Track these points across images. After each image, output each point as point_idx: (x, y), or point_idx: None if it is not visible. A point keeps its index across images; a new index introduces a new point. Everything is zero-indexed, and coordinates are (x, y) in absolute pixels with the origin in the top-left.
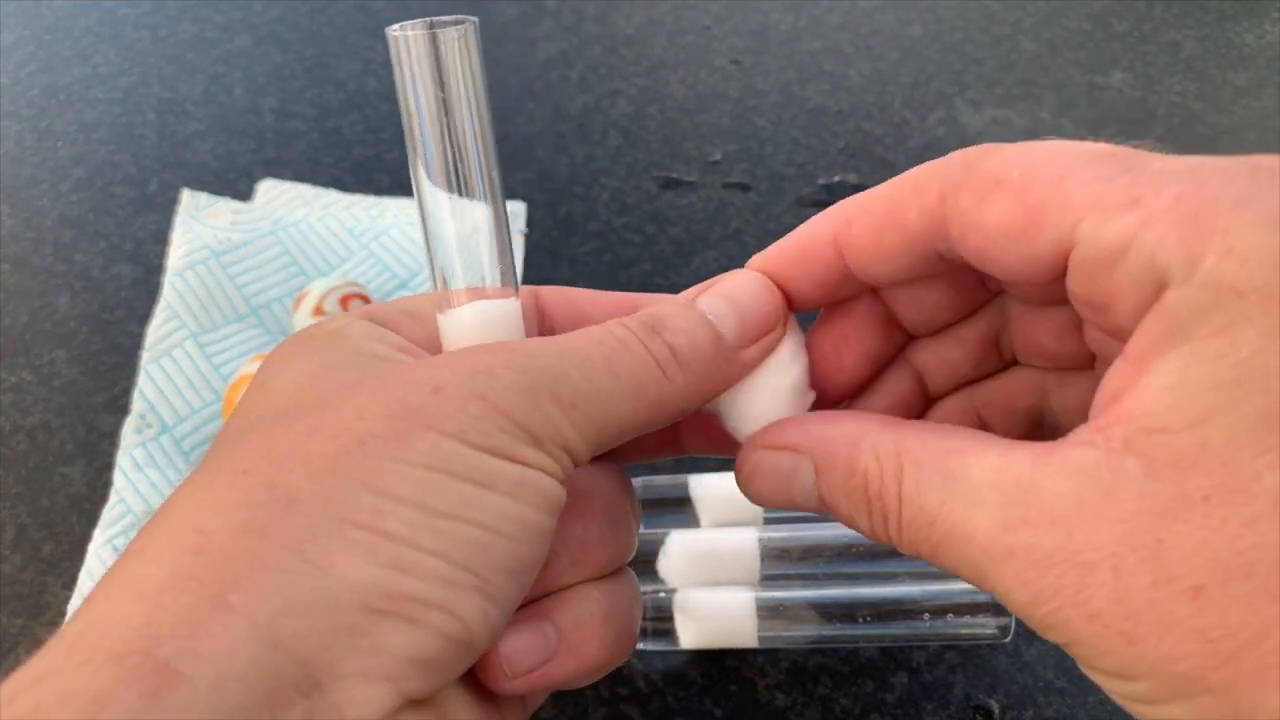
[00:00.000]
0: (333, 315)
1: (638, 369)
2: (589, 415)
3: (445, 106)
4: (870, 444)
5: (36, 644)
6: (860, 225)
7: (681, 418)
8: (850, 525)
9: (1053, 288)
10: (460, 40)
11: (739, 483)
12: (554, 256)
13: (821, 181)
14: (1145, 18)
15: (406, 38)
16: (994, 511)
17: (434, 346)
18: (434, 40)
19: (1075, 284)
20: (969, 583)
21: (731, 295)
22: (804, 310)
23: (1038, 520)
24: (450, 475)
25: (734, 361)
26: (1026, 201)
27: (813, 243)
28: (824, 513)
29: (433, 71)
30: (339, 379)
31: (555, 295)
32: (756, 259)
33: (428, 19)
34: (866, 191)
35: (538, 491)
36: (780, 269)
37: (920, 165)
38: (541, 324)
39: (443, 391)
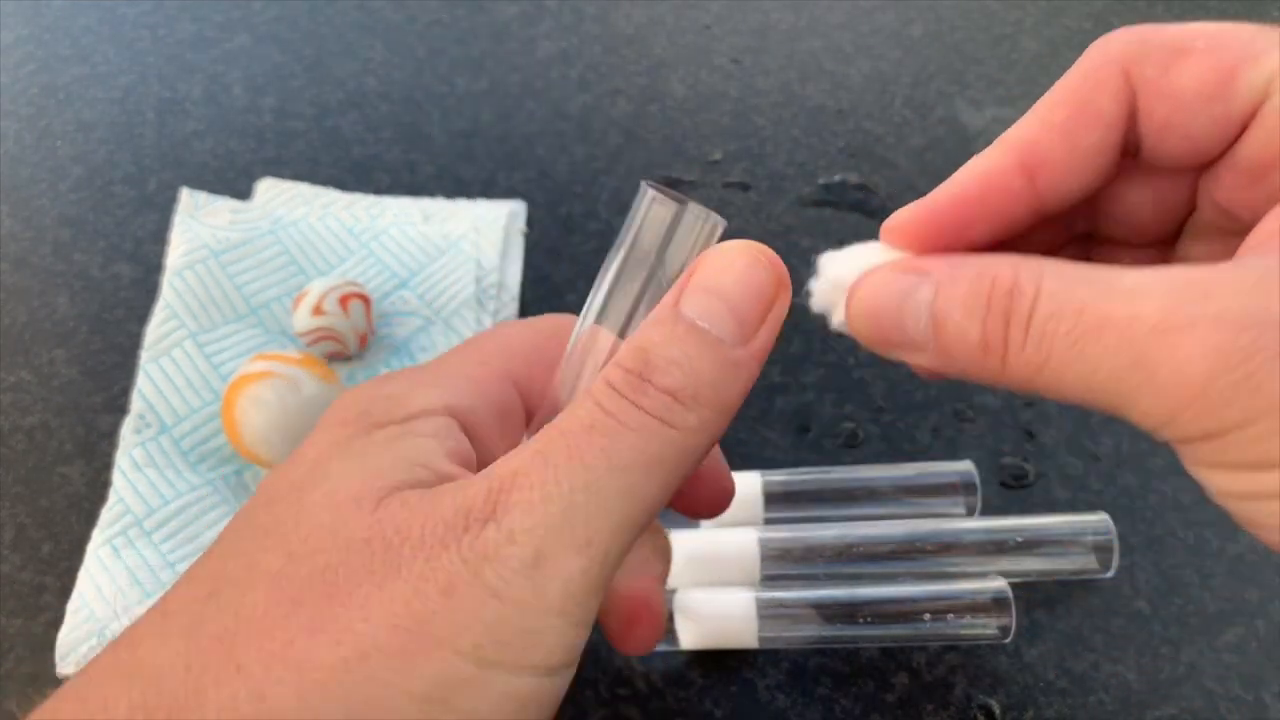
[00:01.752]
0: (332, 314)
1: (642, 443)
2: (610, 532)
3: (651, 276)
4: (1006, 260)
5: (35, 643)
6: (1049, 138)
7: (711, 448)
8: (955, 350)
9: (1207, 152)
10: (701, 228)
11: (849, 306)
12: (554, 256)
13: (822, 181)
14: (1146, 17)
15: (656, 199)
16: (1163, 297)
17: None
18: (679, 215)
19: (1256, 141)
20: (1095, 394)
21: (716, 287)
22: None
23: (1221, 294)
24: (447, 706)
25: (743, 362)
26: (1220, 61)
27: (996, 174)
28: (920, 345)
29: (661, 241)
30: (353, 525)
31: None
32: (922, 205)
33: (683, 197)
34: (1024, 116)
35: (552, 693)
36: (959, 214)
37: (1073, 67)
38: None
39: (455, 593)
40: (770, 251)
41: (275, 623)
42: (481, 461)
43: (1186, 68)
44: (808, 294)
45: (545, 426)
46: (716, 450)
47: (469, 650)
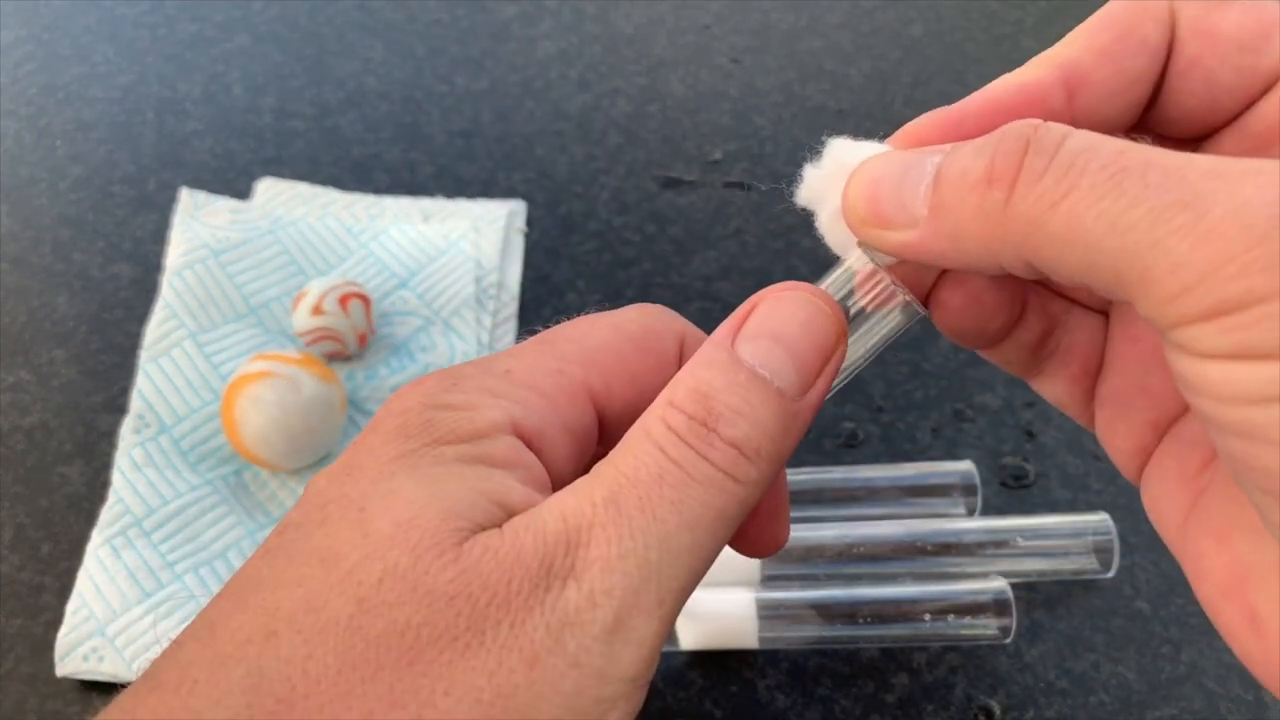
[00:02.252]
0: (332, 314)
1: (709, 498)
2: (679, 591)
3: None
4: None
5: (34, 643)
6: (1093, 60)
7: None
8: (952, 200)
9: (1222, 109)
10: (903, 317)
11: (849, 185)
12: (554, 255)
13: None
14: None
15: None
16: (1218, 158)
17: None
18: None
19: (1272, 107)
20: (1114, 246)
21: (780, 334)
22: None
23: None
24: None
25: (801, 414)
26: (1262, 14)
27: (1035, 86)
28: (914, 216)
29: (877, 330)
30: (452, 594)
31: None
32: (948, 111)
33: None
34: (1065, 38)
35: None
36: (989, 123)
37: None
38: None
39: (538, 665)
40: (833, 301)
41: (350, 689)
42: (550, 483)
43: (1229, 11)
44: (798, 183)
45: (604, 464)
46: (783, 480)
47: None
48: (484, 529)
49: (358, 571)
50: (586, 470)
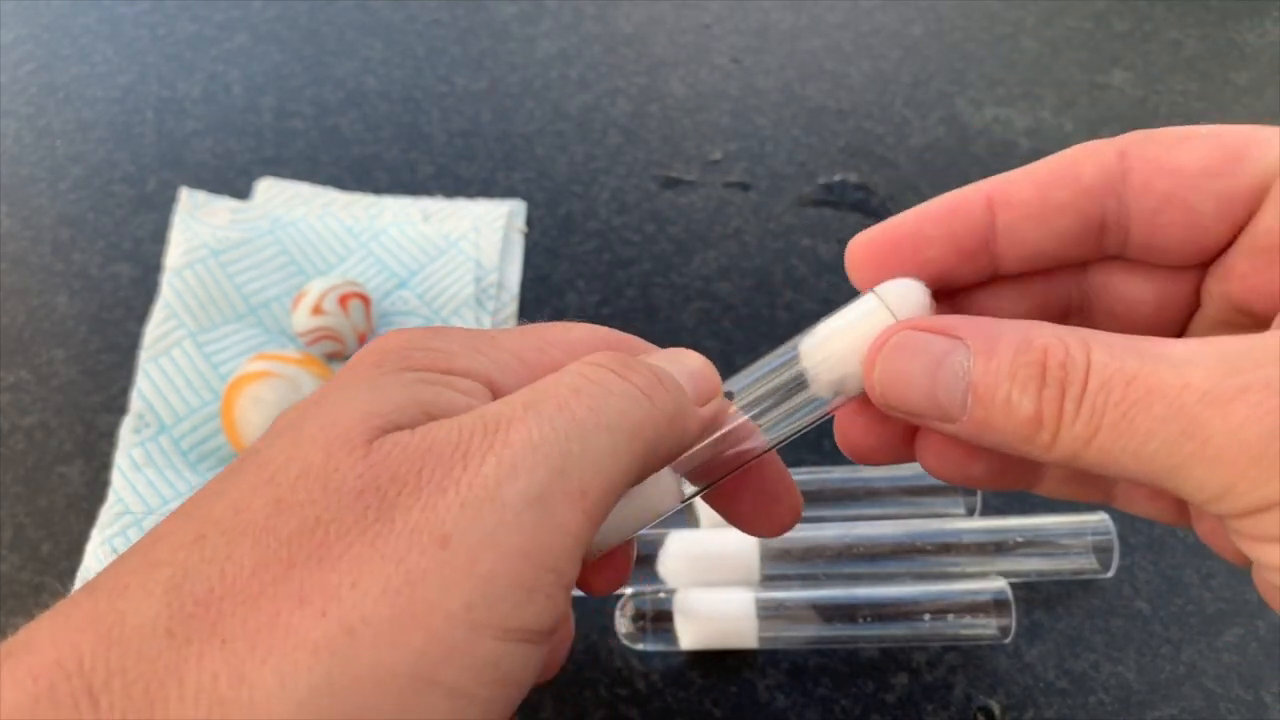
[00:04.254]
0: (332, 314)
1: (626, 407)
2: (600, 487)
3: (796, 381)
4: (1048, 329)
5: None
6: (1023, 182)
7: (665, 464)
8: (997, 422)
9: (1211, 237)
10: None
11: (871, 369)
12: (553, 255)
13: (822, 181)
14: (1146, 17)
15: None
16: (1213, 365)
17: (503, 376)
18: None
19: (1273, 217)
20: (1145, 467)
21: (675, 358)
22: (933, 285)
23: (1270, 360)
24: (432, 684)
25: (695, 415)
26: (1225, 143)
27: (963, 200)
28: (951, 415)
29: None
30: (359, 488)
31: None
32: (885, 224)
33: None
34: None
35: (532, 668)
36: (920, 225)
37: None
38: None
39: (450, 543)
40: (713, 370)
41: (262, 589)
42: None
43: (1190, 147)
44: (805, 381)
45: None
46: (779, 464)
47: (460, 612)
48: (402, 429)
49: (279, 474)
50: None
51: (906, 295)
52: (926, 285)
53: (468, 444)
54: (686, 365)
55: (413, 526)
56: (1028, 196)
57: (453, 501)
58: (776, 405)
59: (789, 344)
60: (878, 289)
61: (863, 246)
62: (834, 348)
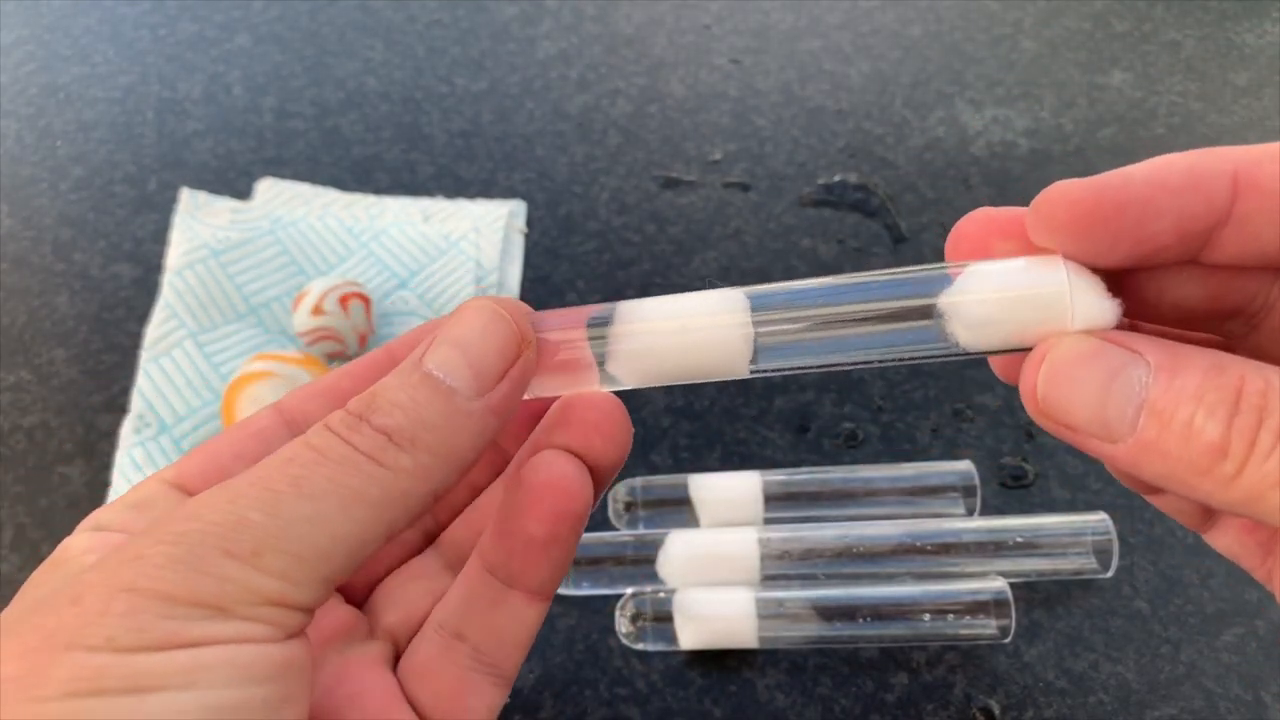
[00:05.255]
0: (332, 314)
1: (342, 476)
2: (293, 555)
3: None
4: (1244, 360)
5: None
6: (1275, 165)
7: (444, 494)
8: (1171, 446)
9: None
10: None
11: (1035, 370)
12: (553, 256)
13: (821, 181)
14: (1145, 17)
15: None
16: None
17: None
18: None
19: None
20: None
21: (457, 338)
22: (1120, 265)
23: None
24: (101, 693)
25: (476, 414)
26: None
27: (1206, 173)
28: (1116, 435)
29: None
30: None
31: (299, 397)
32: (1116, 180)
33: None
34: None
35: (227, 667)
36: (1154, 194)
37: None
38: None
39: (83, 599)
40: (517, 309)
41: None
42: None
43: (1270, 165)
44: (943, 321)
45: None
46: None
47: (101, 644)
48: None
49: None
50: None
51: (1094, 293)
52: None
53: (130, 539)
54: (464, 345)
55: (52, 597)
56: (1269, 175)
57: (97, 564)
58: (868, 323)
59: (923, 270)
60: (1071, 272)
61: (1064, 200)
62: (996, 312)
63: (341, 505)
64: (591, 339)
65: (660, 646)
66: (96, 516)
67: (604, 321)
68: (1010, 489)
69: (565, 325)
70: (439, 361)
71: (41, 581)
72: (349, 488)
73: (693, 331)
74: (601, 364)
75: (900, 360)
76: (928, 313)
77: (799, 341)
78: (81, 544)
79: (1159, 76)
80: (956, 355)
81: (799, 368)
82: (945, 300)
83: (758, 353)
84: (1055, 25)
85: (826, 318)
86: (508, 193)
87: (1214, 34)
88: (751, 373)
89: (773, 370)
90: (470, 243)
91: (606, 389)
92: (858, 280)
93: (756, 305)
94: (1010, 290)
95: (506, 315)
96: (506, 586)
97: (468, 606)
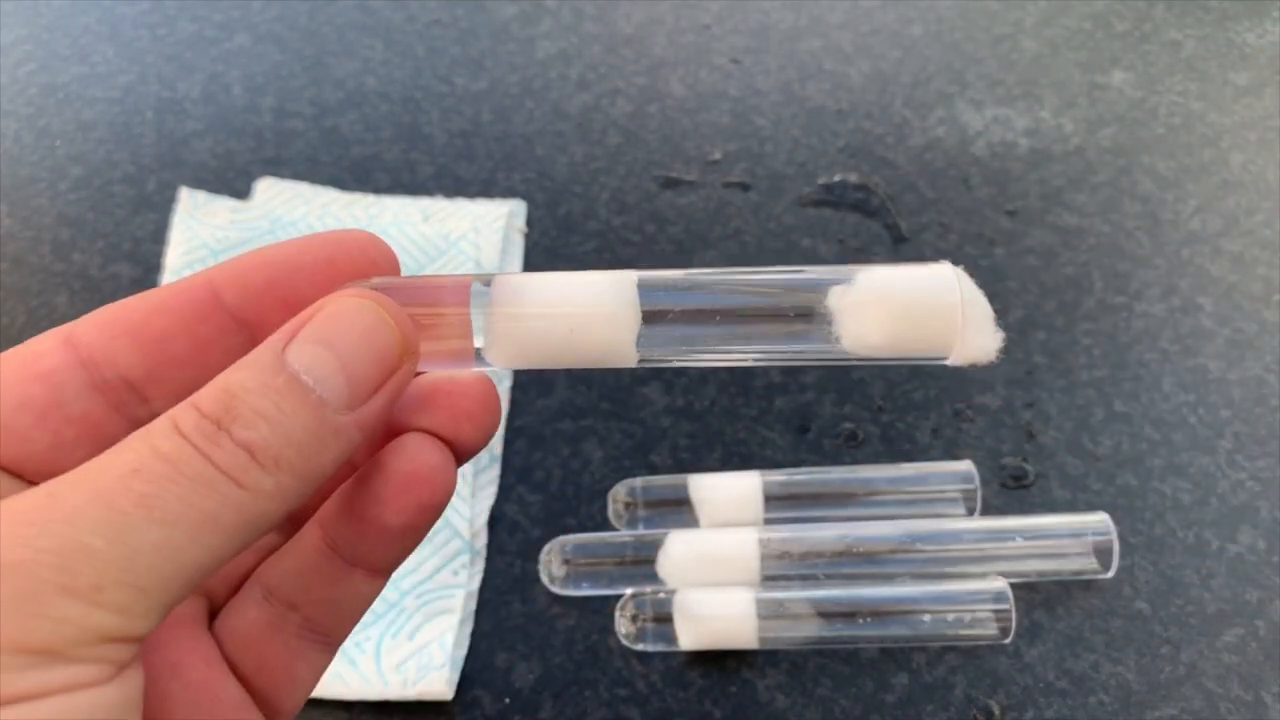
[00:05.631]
0: None
1: (197, 497)
2: (136, 587)
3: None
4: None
5: None
6: None
7: (295, 511)
8: None
9: None
10: None
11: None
12: (553, 256)
13: (821, 181)
14: (1146, 17)
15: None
16: None
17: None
18: None
19: None
20: None
21: (331, 338)
22: None
23: None
24: None
25: (344, 430)
26: None
27: None
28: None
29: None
30: None
31: (97, 328)
32: None
33: None
34: None
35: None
36: None
37: None
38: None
39: None
40: (402, 314)
41: None
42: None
43: None
44: (830, 323)
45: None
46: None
47: None
48: None
49: None
50: None
51: (985, 313)
52: None
53: None
54: (338, 348)
55: None
56: None
57: None
58: (740, 323)
59: (794, 272)
60: (964, 289)
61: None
62: (883, 318)
63: (193, 531)
64: (475, 314)
65: (660, 647)
66: None
67: (481, 299)
68: (1010, 489)
69: (446, 299)
70: (307, 364)
71: None
72: (203, 511)
73: (578, 318)
74: (477, 345)
75: (786, 359)
76: (817, 313)
77: (688, 332)
78: None
79: (1159, 76)
80: (840, 360)
81: (688, 359)
82: (834, 302)
83: (643, 340)
84: (1056, 25)
85: (715, 308)
86: (507, 192)
87: (1215, 34)
88: (639, 362)
89: (658, 360)
90: (470, 242)
91: (477, 369)
92: (751, 273)
93: (645, 289)
94: (900, 299)
95: (390, 320)
96: (349, 564)
97: (304, 580)
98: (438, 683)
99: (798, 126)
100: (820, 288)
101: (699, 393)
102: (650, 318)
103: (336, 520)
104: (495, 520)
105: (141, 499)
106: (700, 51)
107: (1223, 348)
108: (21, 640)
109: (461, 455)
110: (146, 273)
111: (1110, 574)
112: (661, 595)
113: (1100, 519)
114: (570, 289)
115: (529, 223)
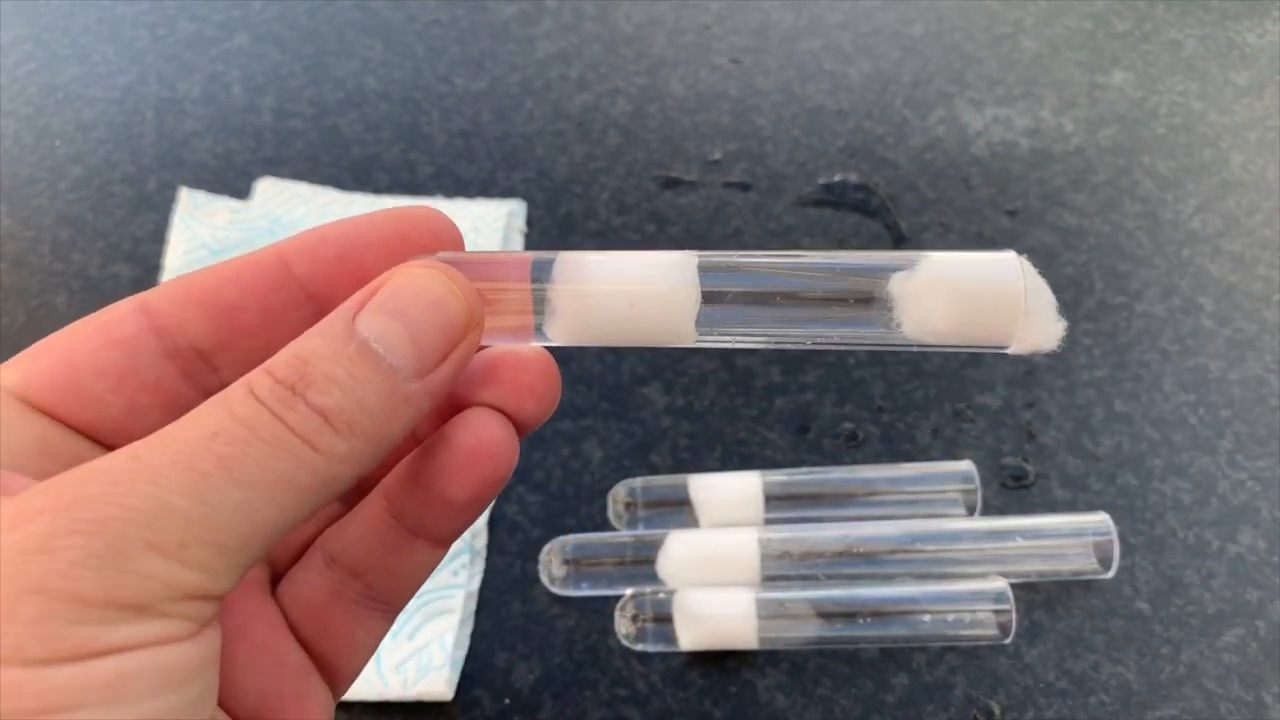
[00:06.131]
0: None
1: (274, 460)
2: (216, 545)
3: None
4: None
5: None
6: None
7: (362, 479)
8: None
9: None
10: None
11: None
12: None
13: (822, 181)
14: (1146, 17)
15: None
16: None
17: (23, 456)
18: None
19: None
20: None
21: (401, 309)
22: None
23: None
24: (12, 716)
25: (414, 397)
26: None
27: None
28: None
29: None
30: None
31: (170, 298)
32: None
33: None
34: None
35: (152, 674)
36: None
37: None
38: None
39: None
40: (468, 286)
41: None
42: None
43: None
44: (891, 308)
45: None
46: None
47: (9, 655)
48: None
49: None
50: None
51: (1049, 302)
52: None
53: (20, 513)
54: (409, 318)
55: None
56: None
57: None
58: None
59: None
60: (1028, 276)
61: None
62: (952, 300)
63: (270, 492)
64: (536, 290)
65: (660, 647)
66: None
67: (544, 275)
68: (1011, 489)
69: (507, 275)
70: (378, 332)
71: None
72: (279, 473)
73: (639, 295)
74: (538, 320)
75: (844, 343)
76: (878, 298)
77: (747, 314)
78: None
79: (1159, 76)
80: (899, 345)
81: (745, 340)
82: (896, 287)
83: (702, 320)
84: (1056, 25)
85: (775, 290)
86: (507, 192)
87: (1215, 33)
88: (696, 341)
89: (716, 341)
90: (470, 242)
91: (538, 344)
92: (812, 257)
93: (705, 270)
94: (964, 286)
95: (457, 291)
96: (411, 534)
97: (367, 549)
98: (438, 683)
99: (798, 126)
100: (883, 273)
101: (699, 393)
102: (710, 298)
103: (401, 491)
104: (495, 520)
105: (222, 461)
106: (700, 51)
107: (1223, 348)
108: (113, 594)
109: (522, 429)
110: (146, 273)
111: (1110, 574)
112: (661, 595)
113: (1100, 519)
114: (632, 267)
115: (529, 223)
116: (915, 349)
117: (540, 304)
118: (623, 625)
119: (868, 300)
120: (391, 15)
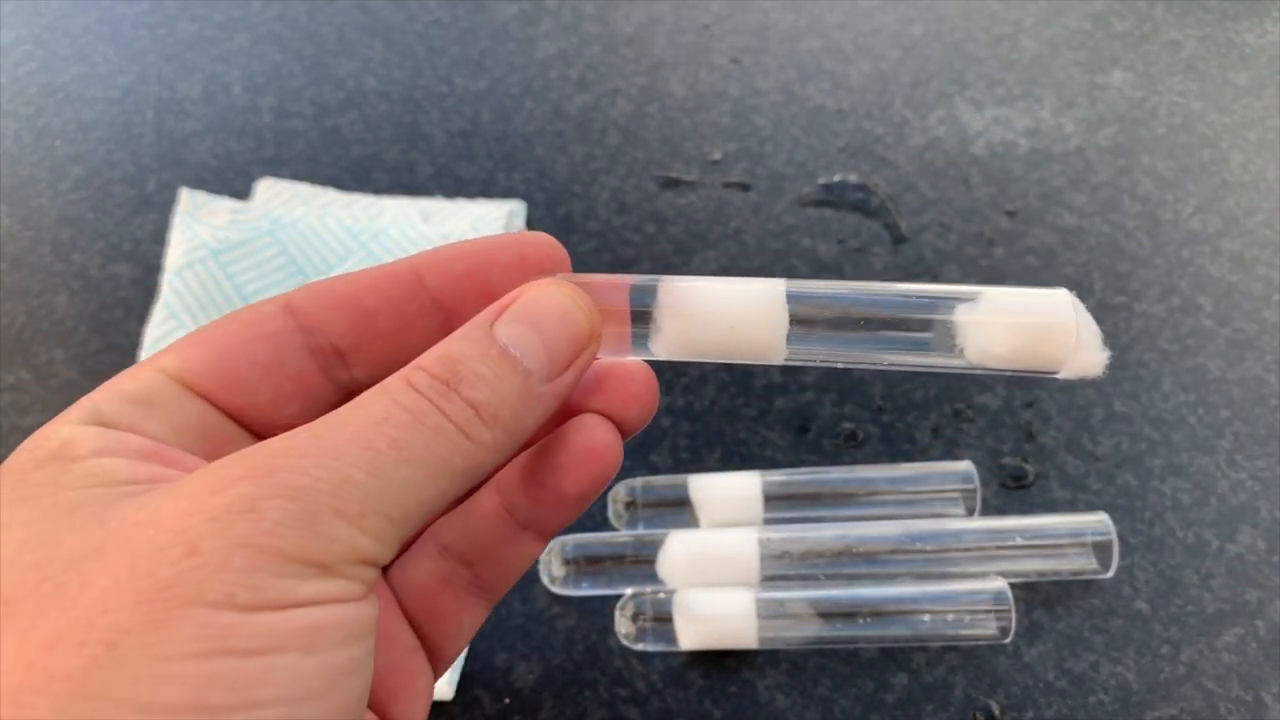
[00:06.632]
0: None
1: (436, 444)
2: (387, 516)
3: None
4: None
5: None
6: None
7: (494, 472)
8: None
9: None
10: None
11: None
12: None
13: (822, 181)
14: (1146, 17)
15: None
16: None
17: (185, 435)
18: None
19: None
20: None
21: (536, 320)
22: None
23: None
24: (228, 654)
25: (544, 398)
26: None
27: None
28: None
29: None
30: (73, 545)
31: (313, 299)
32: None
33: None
34: None
35: (339, 628)
36: None
37: None
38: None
39: (199, 551)
40: (590, 303)
41: (3, 654)
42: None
43: None
44: (955, 336)
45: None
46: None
47: (223, 600)
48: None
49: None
50: None
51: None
52: None
53: (222, 479)
54: (541, 327)
55: (155, 539)
56: None
57: (200, 520)
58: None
59: (929, 290)
60: (1079, 313)
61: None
62: (1008, 332)
63: (431, 473)
64: (634, 310)
65: (660, 647)
66: (92, 407)
67: (648, 295)
68: (1010, 489)
69: (609, 296)
70: (515, 339)
71: (44, 477)
72: (439, 456)
73: (738, 316)
74: (643, 336)
75: (912, 366)
76: (943, 326)
77: (830, 336)
78: (91, 442)
79: (1159, 76)
80: (960, 369)
81: (826, 360)
82: (960, 317)
83: (792, 339)
84: (1056, 25)
85: (855, 316)
86: (507, 193)
87: (1214, 33)
88: (785, 360)
89: (803, 360)
90: None
91: (639, 358)
92: (886, 287)
93: (794, 297)
94: (1022, 319)
95: (583, 306)
96: (521, 527)
97: (480, 539)
98: (438, 683)
99: (798, 126)
100: (948, 304)
101: (699, 393)
102: (798, 320)
103: (516, 487)
104: None
105: (393, 442)
106: (700, 51)
107: (1223, 348)
108: (307, 553)
109: (626, 434)
110: (146, 273)
111: (1110, 574)
112: (661, 595)
113: (1100, 519)
114: (733, 294)
115: (529, 223)
116: (974, 371)
117: (645, 322)
118: (623, 625)
119: (934, 328)
120: (391, 15)
